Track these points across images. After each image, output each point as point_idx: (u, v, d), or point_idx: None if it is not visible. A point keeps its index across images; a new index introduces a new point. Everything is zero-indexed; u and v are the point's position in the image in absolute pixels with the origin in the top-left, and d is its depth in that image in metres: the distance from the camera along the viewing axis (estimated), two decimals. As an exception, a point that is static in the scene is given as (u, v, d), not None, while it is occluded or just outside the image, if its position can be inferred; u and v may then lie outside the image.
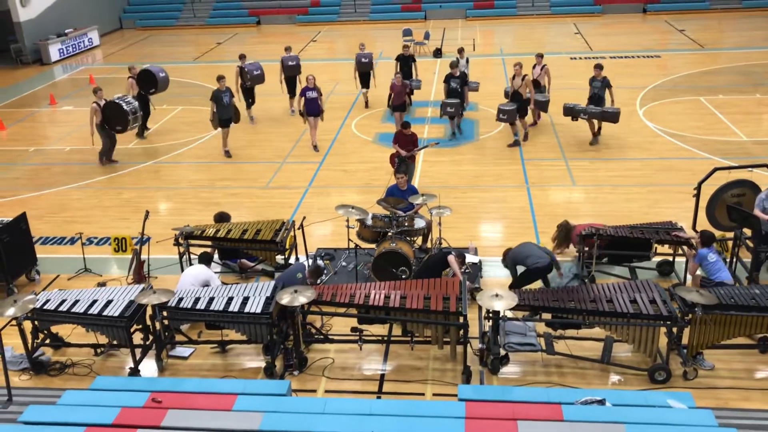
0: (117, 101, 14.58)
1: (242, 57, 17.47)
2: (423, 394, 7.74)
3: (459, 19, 30.76)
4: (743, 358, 8.07)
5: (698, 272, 9.09)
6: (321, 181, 13.82)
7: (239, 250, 10.26)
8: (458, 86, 15.22)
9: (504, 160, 14.18)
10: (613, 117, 14.32)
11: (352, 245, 10.39)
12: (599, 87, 14.48)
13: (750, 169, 11.24)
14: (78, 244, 11.33)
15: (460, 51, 16.85)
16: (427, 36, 25.26)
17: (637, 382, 7.74)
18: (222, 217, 10.75)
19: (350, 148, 15.45)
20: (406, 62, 17.20)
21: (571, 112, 14.86)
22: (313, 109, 14.94)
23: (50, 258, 11.25)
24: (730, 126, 15.61)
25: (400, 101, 15.60)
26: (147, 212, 10.43)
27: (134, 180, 14.38)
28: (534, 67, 15.87)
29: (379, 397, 7.73)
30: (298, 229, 10.34)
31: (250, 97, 17.47)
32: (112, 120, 14.63)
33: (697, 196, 10.41)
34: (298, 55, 17.92)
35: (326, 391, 7.88)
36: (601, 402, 6.51)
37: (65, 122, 18.76)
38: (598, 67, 14.56)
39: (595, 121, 14.76)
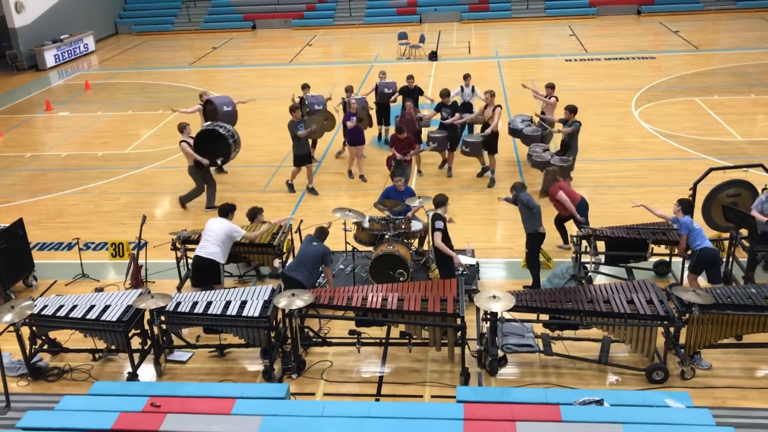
0: (211, 128, 12.61)
1: (305, 87, 14.95)
2: (421, 396, 7.75)
3: (454, 22, 30.83)
4: (740, 357, 8.10)
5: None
6: (318, 184, 13.82)
7: (237, 254, 10.26)
8: (449, 116, 13.54)
9: (500, 162, 14.19)
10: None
11: (349, 248, 10.39)
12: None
13: (745, 169, 11.27)
14: (75, 249, 11.32)
15: (466, 78, 14.56)
16: (422, 39, 25.31)
17: (635, 382, 7.76)
18: (254, 213, 10.60)
19: (347, 152, 15.45)
20: (411, 95, 14.82)
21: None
22: (355, 138, 13.72)
23: (47, 263, 11.23)
24: (725, 126, 15.67)
25: (411, 131, 13.46)
26: (144, 217, 10.45)
27: (131, 185, 14.37)
28: (548, 97, 13.82)
29: (377, 400, 7.74)
30: (296, 232, 10.36)
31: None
32: (208, 153, 12.56)
33: (693, 196, 10.43)
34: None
35: (325, 394, 7.89)
36: (599, 402, 6.52)
37: (61, 128, 18.75)
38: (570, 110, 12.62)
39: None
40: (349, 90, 14.60)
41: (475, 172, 13.85)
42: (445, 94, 13.70)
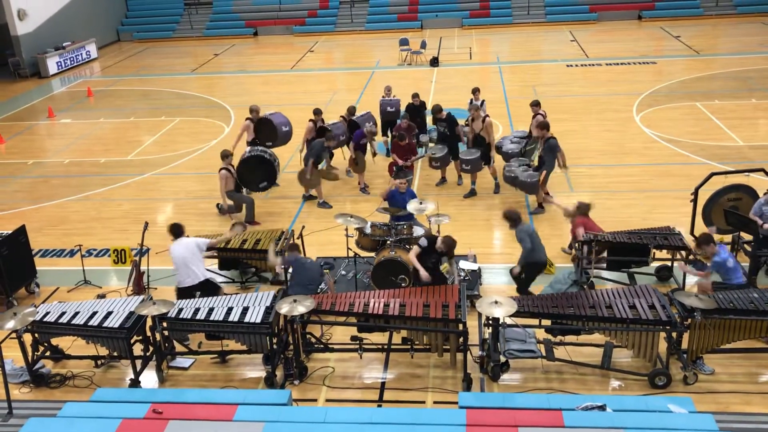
0: (257, 153, 12.50)
1: (318, 113, 13.99)
2: (424, 402, 7.74)
3: (455, 28, 30.89)
4: (743, 362, 8.08)
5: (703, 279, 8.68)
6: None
7: (239, 260, 10.28)
8: (446, 129, 13.19)
9: (481, 177, 14.07)
10: (527, 188, 12.17)
11: (351, 254, 10.40)
12: (543, 149, 12.13)
13: (746, 173, 11.28)
14: (77, 256, 11.34)
15: (475, 92, 14.48)
16: (423, 45, 25.37)
17: (638, 388, 7.74)
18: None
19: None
20: (418, 113, 14.41)
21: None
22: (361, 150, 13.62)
23: (50, 270, 11.25)
24: (726, 131, 15.68)
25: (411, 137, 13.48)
26: (146, 224, 10.46)
27: (133, 192, 14.40)
28: (534, 116, 13.32)
29: (379, 406, 7.73)
30: (298, 238, 10.37)
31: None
32: (251, 180, 12.56)
33: (695, 201, 10.45)
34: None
35: (327, 400, 7.88)
36: (602, 408, 6.51)
37: (64, 135, 18.80)
38: (542, 127, 12.19)
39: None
40: (351, 112, 14.36)
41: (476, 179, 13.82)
42: (437, 110, 13.27)
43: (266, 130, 13.69)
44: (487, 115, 13.04)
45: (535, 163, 12.44)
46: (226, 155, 12.28)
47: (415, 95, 14.56)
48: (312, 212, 12.81)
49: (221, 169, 12.18)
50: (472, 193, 13.19)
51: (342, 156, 14.57)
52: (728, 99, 18.00)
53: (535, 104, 13.53)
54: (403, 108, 14.75)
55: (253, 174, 12.53)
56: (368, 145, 13.78)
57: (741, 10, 29.22)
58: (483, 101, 14.48)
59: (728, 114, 16.76)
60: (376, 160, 14.58)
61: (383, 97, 15.17)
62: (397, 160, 12.63)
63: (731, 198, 10.27)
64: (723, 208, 10.14)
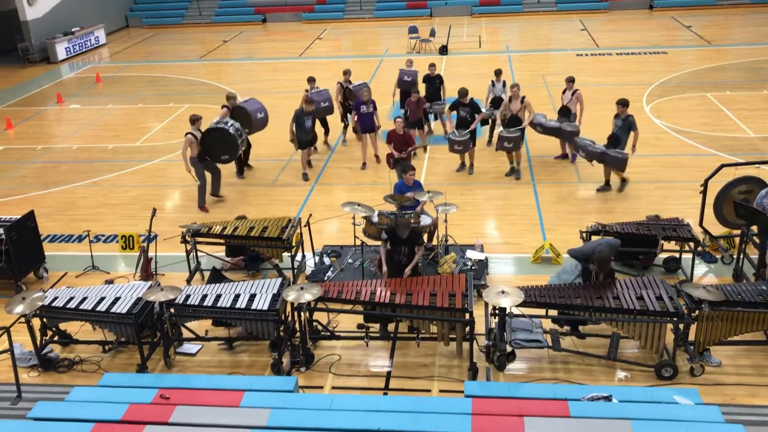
0: (220, 126, 12.57)
1: (312, 81, 15.15)
2: (429, 391, 7.76)
3: (465, 16, 30.71)
4: (750, 355, 8.05)
5: None
6: (327, 178, 13.85)
7: (246, 247, 10.29)
8: (468, 115, 13.31)
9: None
10: (617, 163, 12.09)
11: (358, 242, 10.40)
12: (619, 126, 12.21)
13: (757, 165, 11.20)
14: (86, 241, 11.38)
15: (498, 73, 14.68)
16: (432, 33, 25.23)
17: (644, 379, 7.73)
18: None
19: (356, 145, 15.45)
20: (432, 83, 15.22)
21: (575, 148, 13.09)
22: (367, 126, 14.05)
23: (58, 256, 11.30)
24: (737, 122, 15.56)
25: (415, 118, 14.41)
26: (154, 210, 10.49)
27: (141, 178, 14.43)
28: (564, 92, 13.96)
29: (385, 394, 7.75)
30: (305, 226, 10.38)
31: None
32: (214, 150, 12.64)
33: (704, 192, 10.38)
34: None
35: (333, 388, 7.90)
36: (608, 398, 6.52)
37: (72, 120, 18.84)
38: (620, 104, 12.19)
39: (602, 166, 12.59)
40: (347, 73, 15.19)
41: (481, 168, 13.79)
42: (463, 93, 13.35)
43: (241, 117, 13.66)
44: (525, 96, 13.16)
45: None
46: (194, 120, 12.49)
47: (432, 65, 15.34)
48: (319, 201, 12.81)
49: (187, 133, 12.35)
50: (512, 172, 13.40)
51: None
52: (739, 90, 17.85)
53: (571, 80, 13.84)
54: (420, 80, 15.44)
55: (216, 144, 12.58)
56: (374, 117, 14.03)
57: (753, 0, 28.92)
58: (504, 82, 14.68)
59: (739, 105, 16.62)
60: (379, 134, 14.58)
61: (403, 68, 15.72)
62: (393, 152, 12.47)
63: (742, 191, 10.20)
64: (734, 200, 10.07)
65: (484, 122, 14.60)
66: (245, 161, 14.39)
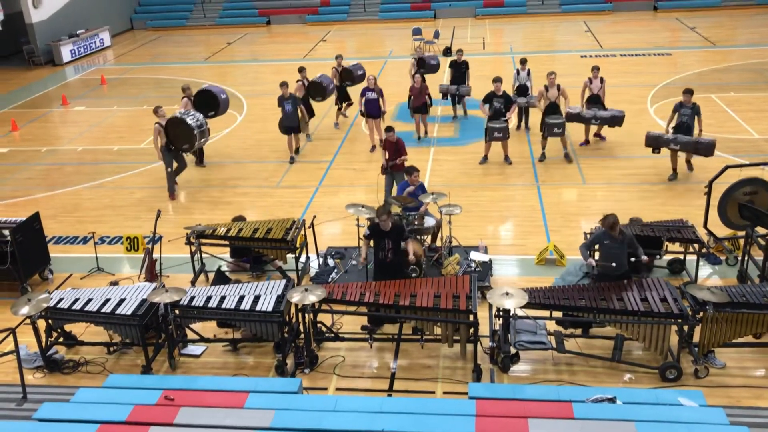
0: (180, 116, 13.12)
1: (302, 70, 16.26)
2: (433, 392, 7.76)
3: (469, 18, 30.72)
4: (755, 356, 8.04)
5: None
6: (331, 180, 13.86)
7: (250, 248, 10.31)
8: (502, 106, 13.64)
9: (514, 159, 14.14)
10: (707, 149, 12.36)
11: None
12: (688, 115, 12.53)
13: (762, 167, 11.18)
14: (90, 243, 11.41)
15: (523, 62, 15.44)
16: (436, 35, 25.24)
17: (648, 381, 7.72)
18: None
19: (360, 147, 15.47)
20: (458, 69, 16.45)
21: (655, 142, 12.88)
22: (373, 111, 14.72)
23: (63, 257, 11.34)
24: (741, 124, 15.52)
25: (419, 103, 15.08)
26: (159, 211, 10.51)
27: (146, 180, 14.46)
28: (591, 81, 14.40)
29: (389, 395, 7.76)
30: (309, 228, 10.39)
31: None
32: (176, 139, 13.16)
33: (708, 194, 10.36)
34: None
35: (337, 389, 7.91)
36: (612, 400, 6.51)
37: (77, 122, 18.89)
38: (688, 93, 12.64)
39: (684, 154, 12.92)
40: (339, 57, 16.55)
41: (485, 169, 13.80)
42: (497, 79, 13.74)
43: (207, 100, 14.66)
44: (560, 84, 13.86)
45: None
46: (157, 109, 13.17)
47: (459, 51, 16.94)
48: (324, 202, 12.83)
49: (156, 123, 13.11)
50: (567, 157, 13.94)
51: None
52: (744, 91, 17.81)
53: (596, 68, 14.44)
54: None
55: (178, 133, 13.15)
56: (381, 101, 14.68)
57: (758, 0, 28.84)
58: (529, 71, 15.41)
59: (744, 106, 16.58)
60: (385, 118, 15.06)
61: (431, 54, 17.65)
62: (385, 162, 12.10)
63: (747, 192, 10.17)
64: (738, 201, 10.05)
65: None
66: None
